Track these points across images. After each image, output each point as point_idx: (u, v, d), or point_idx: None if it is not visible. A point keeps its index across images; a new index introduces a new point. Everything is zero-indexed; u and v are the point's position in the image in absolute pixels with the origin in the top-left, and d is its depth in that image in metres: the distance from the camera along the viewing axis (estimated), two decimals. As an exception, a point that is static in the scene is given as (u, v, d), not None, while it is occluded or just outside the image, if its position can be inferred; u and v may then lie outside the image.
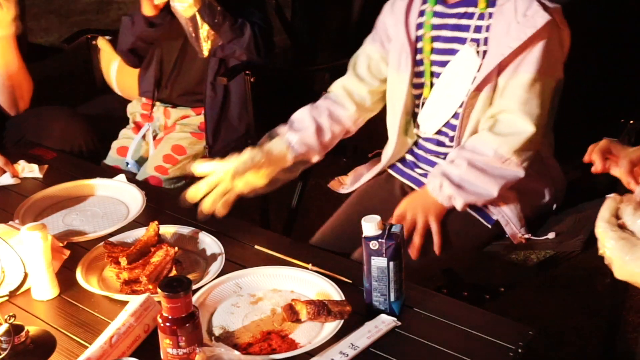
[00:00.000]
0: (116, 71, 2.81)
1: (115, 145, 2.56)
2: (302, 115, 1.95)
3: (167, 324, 1.29)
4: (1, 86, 2.42)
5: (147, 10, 2.36)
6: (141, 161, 2.53)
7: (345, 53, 2.95)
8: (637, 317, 2.44)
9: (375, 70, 1.98)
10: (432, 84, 1.88)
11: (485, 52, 1.77)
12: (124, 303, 1.47)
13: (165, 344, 1.31)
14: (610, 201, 1.10)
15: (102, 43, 2.83)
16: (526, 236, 1.83)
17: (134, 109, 2.65)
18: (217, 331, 1.46)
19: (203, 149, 2.49)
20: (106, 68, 2.84)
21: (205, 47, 2.32)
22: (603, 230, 1.07)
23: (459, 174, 1.75)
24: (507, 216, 1.81)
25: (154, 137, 2.55)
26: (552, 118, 1.85)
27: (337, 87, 2.00)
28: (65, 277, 1.63)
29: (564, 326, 2.46)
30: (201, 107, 2.53)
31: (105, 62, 2.84)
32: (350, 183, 2.08)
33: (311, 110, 1.95)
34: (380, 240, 1.42)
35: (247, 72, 2.39)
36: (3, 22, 2.26)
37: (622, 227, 1.09)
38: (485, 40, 1.77)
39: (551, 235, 1.83)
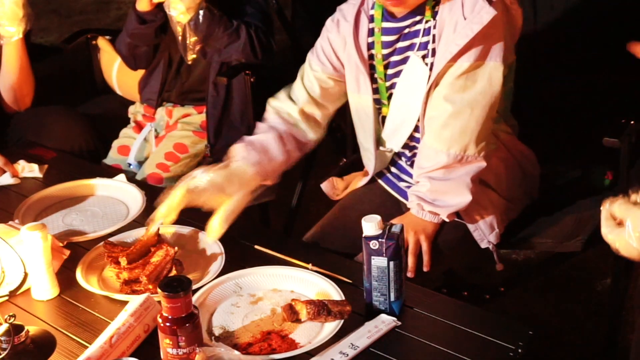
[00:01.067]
0: (116, 71, 2.80)
1: (115, 144, 2.56)
2: (271, 143, 1.85)
3: (167, 324, 1.29)
4: (9, 84, 2.42)
5: (142, 5, 2.35)
6: (144, 162, 2.52)
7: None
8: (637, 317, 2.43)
9: (331, 93, 1.93)
10: (389, 103, 1.85)
11: (434, 52, 1.74)
12: (124, 303, 1.47)
13: (165, 344, 1.31)
14: (603, 209, 1.24)
15: (102, 43, 2.83)
16: (494, 243, 1.81)
17: (136, 110, 2.65)
18: (217, 331, 1.46)
19: (204, 148, 2.49)
20: (106, 68, 2.84)
21: (190, 56, 2.32)
22: (605, 233, 1.21)
23: (428, 191, 1.75)
24: (476, 223, 1.80)
25: (156, 136, 2.55)
26: (509, 103, 1.84)
27: (295, 112, 1.91)
28: (65, 277, 1.63)
29: (564, 326, 2.46)
30: (203, 106, 2.52)
31: (106, 62, 2.84)
32: (342, 189, 2.07)
33: (278, 139, 1.86)
34: (380, 240, 1.42)
35: (247, 72, 2.39)
36: (16, 20, 2.26)
37: (620, 224, 1.23)
38: (433, 38, 1.74)
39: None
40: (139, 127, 2.59)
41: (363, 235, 1.44)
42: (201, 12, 2.22)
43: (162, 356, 1.33)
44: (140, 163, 2.51)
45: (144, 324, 1.41)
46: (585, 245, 1.86)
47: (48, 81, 2.38)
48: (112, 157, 2.53)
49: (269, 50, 2.40)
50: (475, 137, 1.73)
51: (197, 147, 2.48)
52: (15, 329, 1.34)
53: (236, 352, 1.34)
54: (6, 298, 1.57)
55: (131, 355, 1.36)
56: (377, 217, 1.44)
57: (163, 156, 2.44)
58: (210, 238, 1.71)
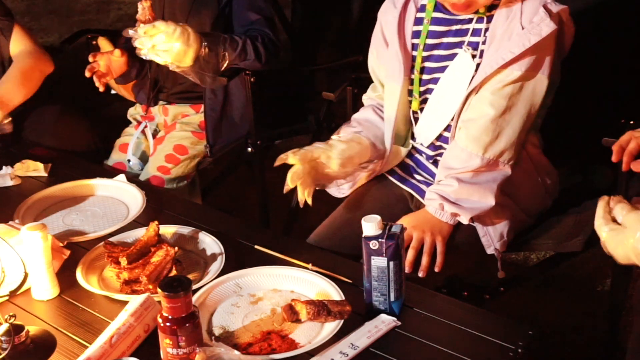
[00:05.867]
0: (116, 71, 2.80)
1: (117, 143, 2.57)
2: (373, 117, 1.97)
3: (167, 324, 1.29)
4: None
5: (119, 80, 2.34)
6: (142, 157, 2.53)
7: (345, 53, 2.94)
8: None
9: None
10: (420, 98, 1.86)
11: (482, 53, 1.75)
12: (124, 303, 1.47)
13: (165, 344, 1.31)
14: (601, 202, 1.34)
15: (102, 43, 2.83)
16: (500, 250, 1.81)
17: (135, 111, 2.66)
18: (217, 331, 1.46)
19: (204, 148, 2.49)
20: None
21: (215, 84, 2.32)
22: (598, 224, 1.32)
23: (453, 192, 1.75)
24: (487, 228, 1.80)
25: (155, 136, 2.55)
26: (541, 117, 1.84)
27: (375, 96, 2.03)
28: (65, 277, 1.63)
29: (564, 326, 2.46)
30: (200, 104, 2.52)
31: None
32: (347, 186, 2.06)
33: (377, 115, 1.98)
34: (380, 240, 1.42)
35: (247, 72, 2.39)
36: None
37: (614, 221, 1.32)
38: (484, 42, 1.75)
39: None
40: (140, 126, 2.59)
41: (363, 235, 1.44)
42: (202, 48, 2.14)
43: (162, 356, 1.33)
44: (139, 159, 2.51)
45: (144, 324, 1.41)
46: (585, 245, 1.86)
47: (48, 81, 2.38)
48: (114, 157, 2.54)
49: (275, 55, 2.39)
50: (511, 145, 1.75)
51: (197, 147, 2.49)
52: (15, 329, 1.34)
53: (236, 352, 1.34)
54: (6, 298, 1.57)
55: (131, 355, 1.36)
56: (377, 217, 1.44)
57: (163, 159, 2.44)
58: (333, 166, 1.81)
